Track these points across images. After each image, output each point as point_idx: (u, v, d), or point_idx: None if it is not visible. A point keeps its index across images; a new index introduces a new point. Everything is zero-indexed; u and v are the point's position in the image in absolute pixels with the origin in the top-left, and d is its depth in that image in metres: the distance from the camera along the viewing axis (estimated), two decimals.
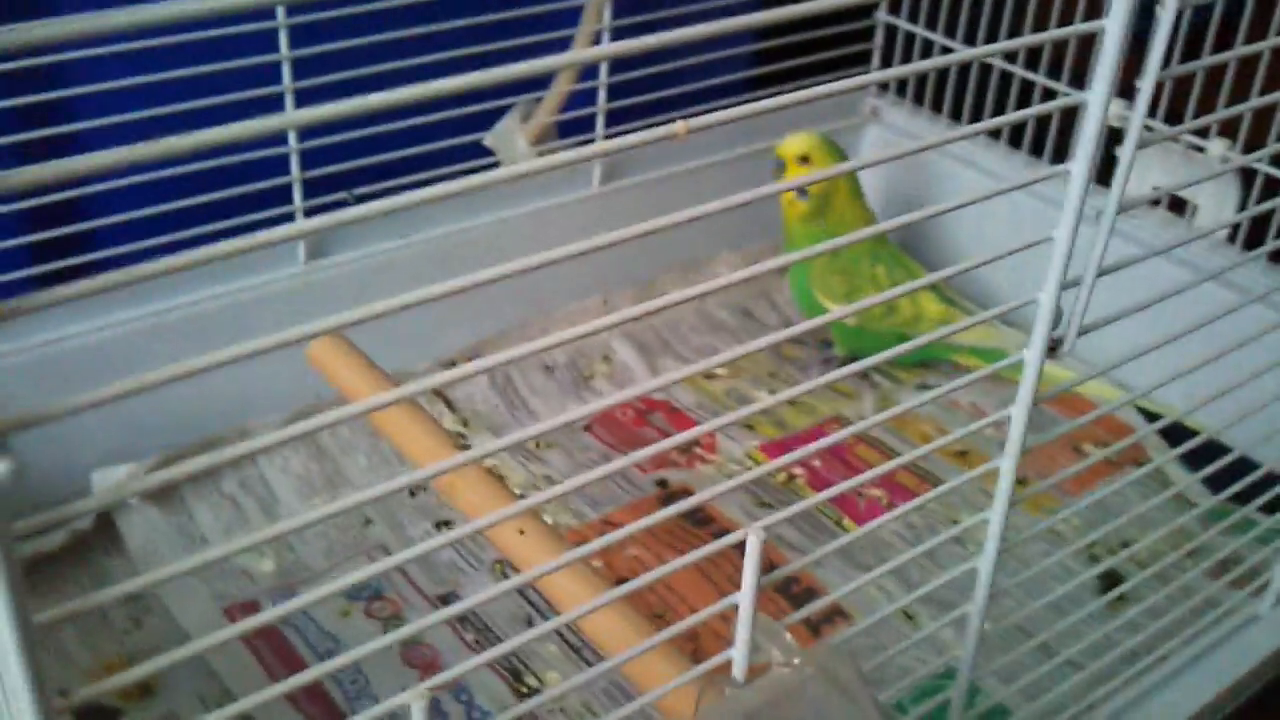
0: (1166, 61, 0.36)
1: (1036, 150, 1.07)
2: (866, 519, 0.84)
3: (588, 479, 0.35)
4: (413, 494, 0.84)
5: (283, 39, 0.83)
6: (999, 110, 1.07)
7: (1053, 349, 0.40)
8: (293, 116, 0.28)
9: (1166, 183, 0.96)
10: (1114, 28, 0.33)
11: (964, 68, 1.09)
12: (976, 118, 1.09)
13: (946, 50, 1.09)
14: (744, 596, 0.35)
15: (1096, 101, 0.34)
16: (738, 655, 0.36)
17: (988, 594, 0.47)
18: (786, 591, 0.79)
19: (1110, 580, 0.77)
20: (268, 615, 0.31)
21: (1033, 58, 1.03)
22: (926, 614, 0.77)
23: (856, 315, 0.91)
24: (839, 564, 0.80)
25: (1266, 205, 0.55)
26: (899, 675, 0.70)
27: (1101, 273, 0.38)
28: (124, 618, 0.73)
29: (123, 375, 0.27)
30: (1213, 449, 0.64)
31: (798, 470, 0.89)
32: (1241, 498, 0.65)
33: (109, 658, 0.70)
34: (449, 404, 0.93)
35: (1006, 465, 0.44)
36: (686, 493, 0.86)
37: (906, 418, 0.96)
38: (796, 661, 0.36)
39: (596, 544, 0.36)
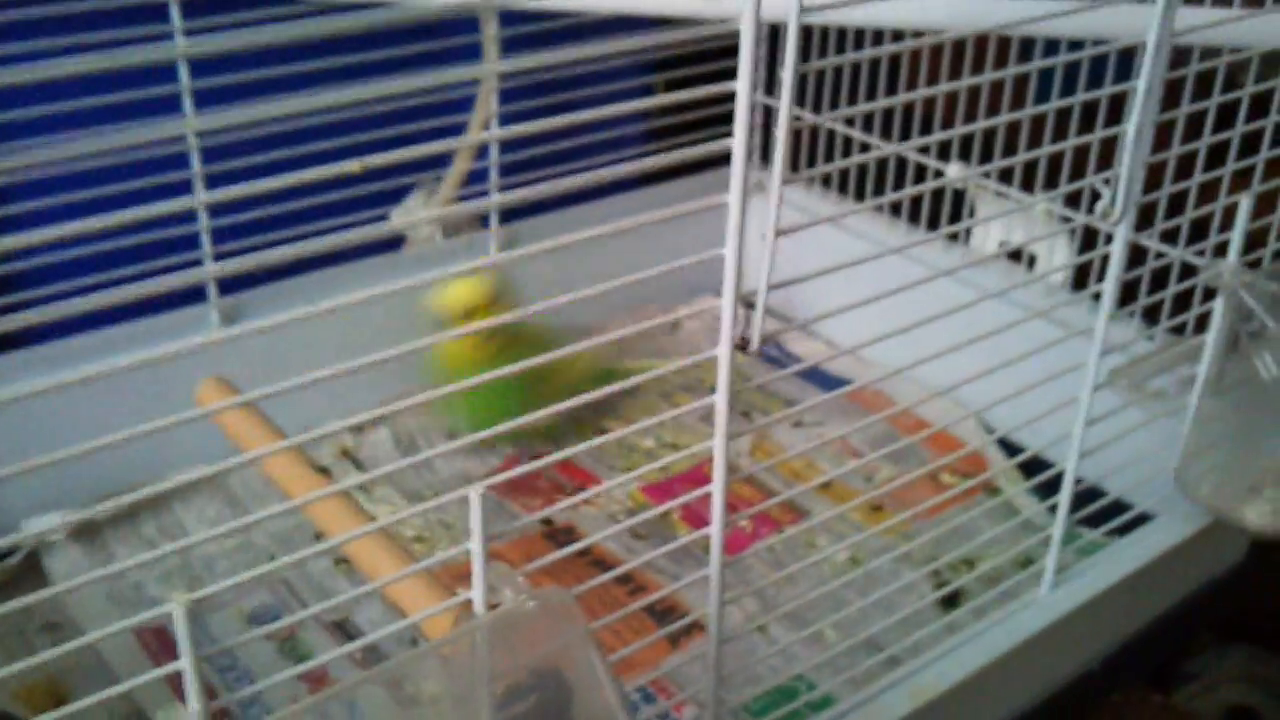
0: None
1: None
2: (733, 546, 0.93)
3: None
4: (318, 536, 0.92)
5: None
6: (881, 185, 1.18)
7: (743, 347, 0.49)
8: (201, 198, 0.38)
9: (1009, 238, 1.07)
10: (747, 27, 0.43)
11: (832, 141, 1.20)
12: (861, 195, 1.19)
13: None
14: (474, 548, 0.44)
15: (743, 89, 0.44)
16: (476, 594, 0.45)
17: (720, 579, 0.55)
18: (651, 610, 0.87)
19: (948, 592, 0.85)
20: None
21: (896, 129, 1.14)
22: (779, 626, 0.85)
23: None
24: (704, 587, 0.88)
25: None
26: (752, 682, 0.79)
27: (774, 286, 0.47)
28: (46, 644, 0.81)
29: (49, 430, 0.35)
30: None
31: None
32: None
33: (31, 679, 0.79)
34: (356, 464, 1.01)
35: (718, 445, 0.52)
36: (569, 529, 0.95)
37: (774, 450, 1.05)
38: (524, 598, 0.45)
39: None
